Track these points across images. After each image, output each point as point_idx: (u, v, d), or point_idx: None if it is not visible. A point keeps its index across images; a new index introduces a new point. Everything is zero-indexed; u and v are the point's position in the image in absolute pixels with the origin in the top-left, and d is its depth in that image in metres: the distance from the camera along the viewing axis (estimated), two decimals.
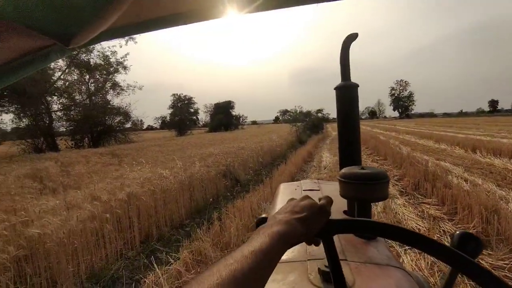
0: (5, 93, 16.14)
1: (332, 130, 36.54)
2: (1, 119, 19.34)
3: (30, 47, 0.60)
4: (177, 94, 47.29)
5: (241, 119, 56.16)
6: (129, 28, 0.70)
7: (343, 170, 0.89)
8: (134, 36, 20.50)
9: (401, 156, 8.63)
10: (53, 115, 20.22)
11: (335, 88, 1.18)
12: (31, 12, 0.52)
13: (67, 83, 20.63)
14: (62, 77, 20.01)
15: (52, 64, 18.85)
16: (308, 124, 24.98)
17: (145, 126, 60.58)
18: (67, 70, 20.09)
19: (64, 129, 21.23)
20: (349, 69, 1.17)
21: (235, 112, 53.46)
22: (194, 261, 3.13)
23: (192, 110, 48.15)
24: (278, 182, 6.22)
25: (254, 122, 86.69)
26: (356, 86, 1.16)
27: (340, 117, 1.19)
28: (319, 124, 26.22)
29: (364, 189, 0.81)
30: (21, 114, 18.28)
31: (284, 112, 30.76)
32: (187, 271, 2.93)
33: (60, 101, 20.44)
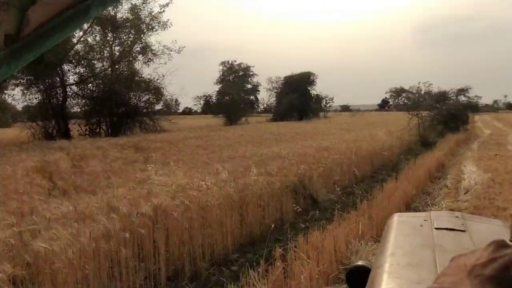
0: None
1: (484, 126, 33.09)
2: (13, 94, 23.02)
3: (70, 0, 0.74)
4: (228, 61, 48.98)
5: (324, 101, 55.39)
6: None
7: None
8: None
9: None
10: (68, 90, 23.56)
11: None
12: None
13: (87, 46, 23.68)
14: (83, 38, 23.10)
15: None
16: (440, 113, 23.13)
17: (181, 109, 64.86)
18: (89, 30, 23.06)
19: (79, 109, 24.53)
20: None
21: (316, 90, 53.00)
22: None
23: (249, 86, 49.58)
24: (382, 208, 5.96)
25: (345, 108, 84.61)
26: None
27: None
28: (460, 115, 24.03)
29: None
30: (34, 88, 21.84)
31: (399, 92, 29.03)
32: None
33: (77, 70, 23.66)
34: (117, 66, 24.78)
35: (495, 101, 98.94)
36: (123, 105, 24.38)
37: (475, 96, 28.26)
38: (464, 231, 1.29)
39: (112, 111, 23.86)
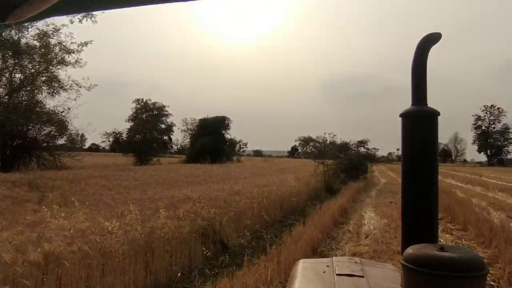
0: None
1: (381, 175, 36.55)
2: None
3: None
4: (142, 99, 47.96)
5: (238, 146, 56.73)
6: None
7: (411, 250, 0.88)
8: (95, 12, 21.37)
9: (491, 226, 8.47)
10: None
11: (402, 115, 1.20)
12: None
13: None
14: None
15: None
16: (343, 162, 25.05)
17: (87, 145, 60.99)
18: None
19: None
20: (426, 88, 1.20)
21: (230, 135, 54.20)
22: None
23: (163, 125, 48.85)
24: (290, 253, 6.06)
25: (258, 153, 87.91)
26: (435, 114, 1.19)
27: (406, 160, 1.19)
28: (360, 164, 26.32)
29: (447, 285, 0.79)
30: None
31: (306, 141, 31.02)
32: None
33: None
34: (15, 95, 22.61)
35: (389, 153, 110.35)
36: (19, 138, 22.08)
37: (373, 148, 31.37)
38: (362, 276, 1.36)
39: (5, 143, 21.40)
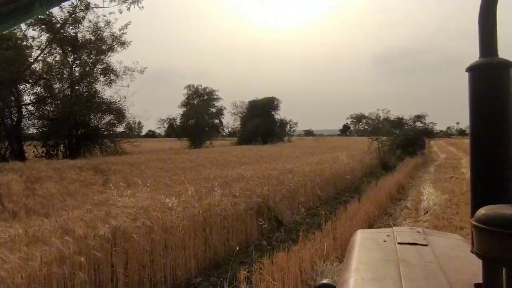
0: None
1: (440, 150, 34.85)
2: None
3: None
4: (193, 85, 49.21)
5: (288, 126, 56.56)
6: None
7: (483, 210, 0.84)
8: None
9: None
10: (24, 110, 22.52)
11: (469, 69, 1.11)
12: None
13: (46, 66, 22.89)
14: (41, 56, 22.31)
15: (31, 40, 21.15)
16: (398, 138, 24.14)
17: (144, 131, 64.06)
18: (47, 48, 22.33)
19: (35, 131, 23.47)
20: (496, 37, 1.10)
21: (280, 115, 54.09)
22: None
23: (214, 110, 49.83)
24: (346, 229, 6.01)
25: (308, 133, 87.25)
26: (509, 65, 1.09)
27: (476, 118, 1.11)
28: (417, 140, 25.20)
29: None
30: None
31: (359, 118, 30.24)
32: None
33: (34, 90, 22.72)
34: (77, 87, 24.08)
35: (448, 128, 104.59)
36: (83, 127, 23.64)
37: (431, 122, 29.82)
38: (426, 245, 1.31)
39: (71, 133, 23.02)
